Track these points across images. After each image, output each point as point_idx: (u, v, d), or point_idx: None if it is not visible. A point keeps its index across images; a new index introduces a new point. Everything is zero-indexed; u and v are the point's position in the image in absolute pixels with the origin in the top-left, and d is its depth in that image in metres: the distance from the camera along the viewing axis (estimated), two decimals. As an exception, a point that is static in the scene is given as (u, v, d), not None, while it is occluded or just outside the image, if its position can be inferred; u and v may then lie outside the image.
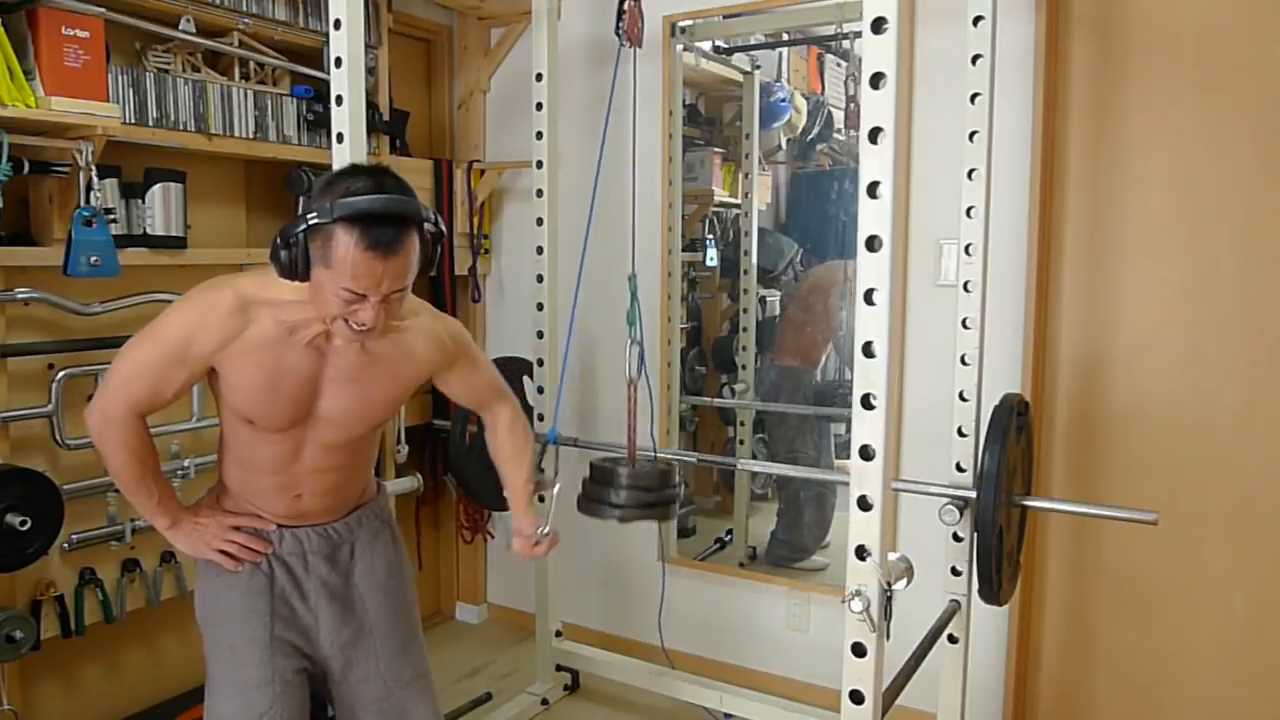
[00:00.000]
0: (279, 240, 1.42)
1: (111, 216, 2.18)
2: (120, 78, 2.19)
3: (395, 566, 1.80)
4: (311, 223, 1.38)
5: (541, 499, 1.82)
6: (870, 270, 1.41)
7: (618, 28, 2.38)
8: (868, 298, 1.41)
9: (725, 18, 2.89)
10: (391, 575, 1.78)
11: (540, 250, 2.69)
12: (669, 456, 2.88)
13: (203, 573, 1.69)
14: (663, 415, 2.99)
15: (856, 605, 1.45)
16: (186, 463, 2.39)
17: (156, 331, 1.51)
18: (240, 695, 1.59)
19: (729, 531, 3.19)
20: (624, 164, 2.61)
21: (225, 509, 1.68)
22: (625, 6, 2.37)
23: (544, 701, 2.81)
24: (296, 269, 1.42)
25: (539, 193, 2.68)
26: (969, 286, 2.11)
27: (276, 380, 1.52)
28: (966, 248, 2.10)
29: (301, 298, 1.48)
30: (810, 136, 3.14)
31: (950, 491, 2.06)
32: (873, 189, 1.40)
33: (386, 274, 1.40)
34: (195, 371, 1.51)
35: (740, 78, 3.12)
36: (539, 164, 2.66)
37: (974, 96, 2.07)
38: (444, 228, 1.51)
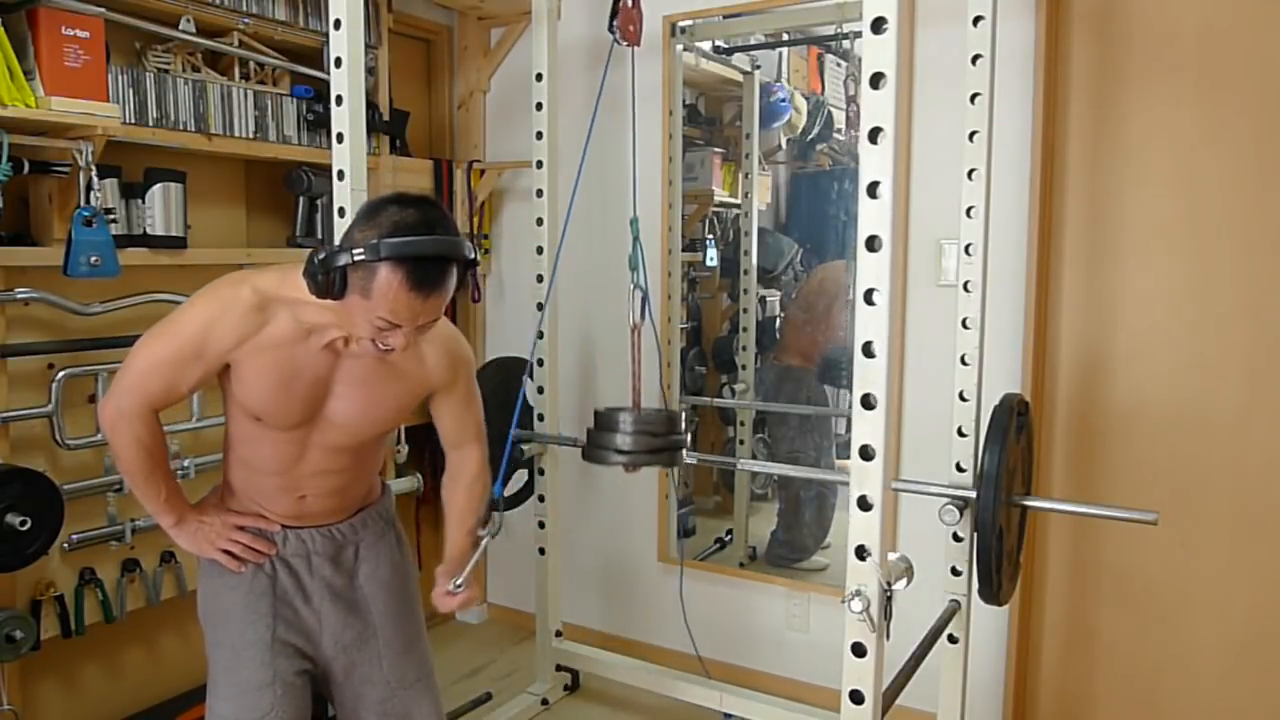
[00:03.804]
0: (318, 265, 1.38)
1: (111, 216, 2.18)
2: (120, 78, 2.20)
3: (400, 568, 1.80)
4: (357, 258, 1.35)
5: (483, 537, 1.76)
6: (870, 270, 1.41)
7: (611, 25, 2.38)
8: (868, 298, 1.41)
9: (725, 18, 2.89)
10: (396, 576, 1.78)
11: (540, 250, 2.69)
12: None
13: (205, 572, 1.69)
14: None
15: (856, 605, 1.45)
16: (186, 463, 2.39)
17: (174, 326, 1.50)
18: (241, 696, 1.59)
19: (729, 531, 3.19)
20: (624, 164, 2.61)
21: (230, 508, 1.67)
22: (619, 4, 2.36)
23: (544, 701, 2.81)
24: (332, 293, 1.40)
25: (539, 193, 2.68)
26: (969, 286, 2.11)
27: (290, 379, 1.52)
28: (966, 248, 2.10)
29: (322, 300, 1.47)
30: (810, 136, 3.14)
31: (950, 491, 2.05)
32: (873, 189, 1.39)
33: (426, 309, 1.40)
34: (211, 368, 1.51)
35: (740, 78, 3.12)
36: (539, 164, 2.66)
37: (974, 96, 2.06)
38: (478, 256, 1.49)
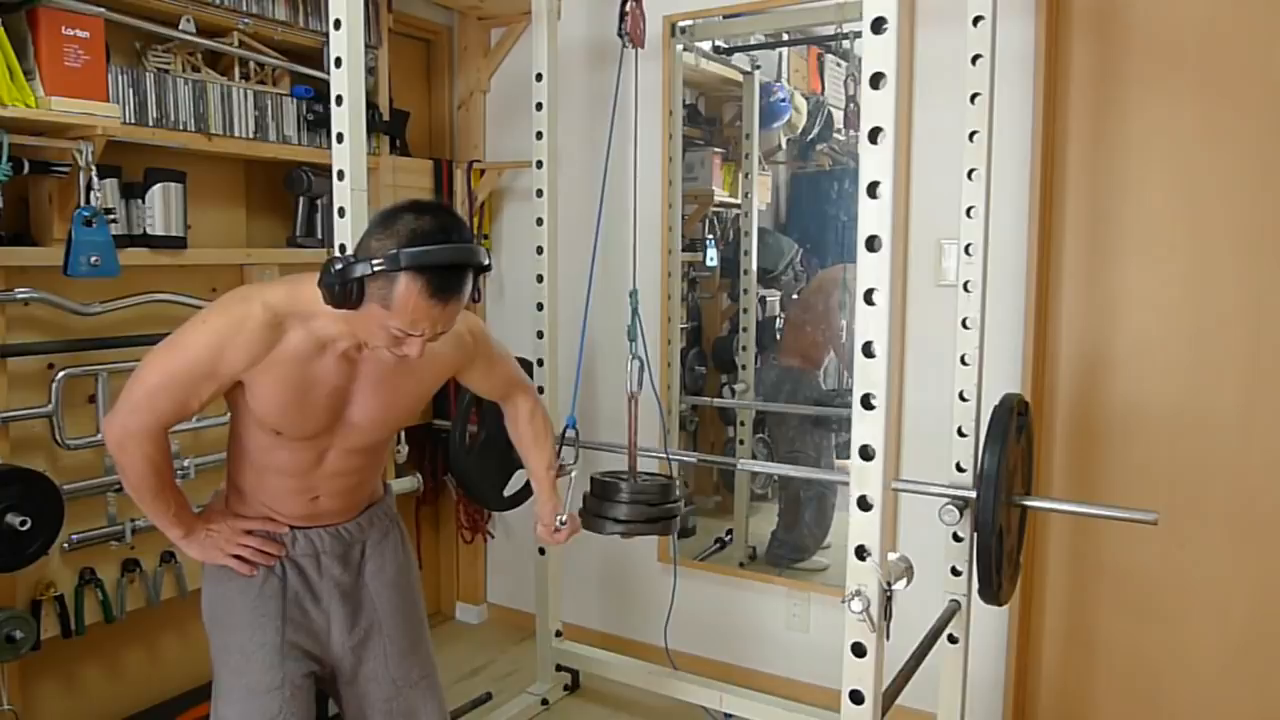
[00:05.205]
0: (335, 275, 1.38)
1: (111, 216, 2.18)
2: (120, 78, 2.19)
3: (405, 566, 1.80)
4: (377, 268, 1.35)
5: (563, 472, 1.91)
6: (870, 270, 1.41)
7: (620, 29, 2.38)
8: (868, 298, 1.41)
9: (725, 18, 2.89)
10: (401, 574, 1.78)
11: (540, 250, 2.69)
12: (670, 458, 2.89)
13: (211, 575, 1.67)
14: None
15: (856, 605, 1.45)
16: (186, 463, 2.38)
17: (183, 343, 1.47)
18: (250, 699, 1.58)
19: (729, 531, 3.19)
20: (624, 164, 2.61)
21: (236, 513, 1.66)
22: (627, 8, 2.38)
23: (544, 701, 2.81)
24: (349, 302, 1.39)
25: (539, 193, 2.68)
26: (969, 286, 2.11)
27: (307, 392, 1.51)
28: (966, 248, 2.10)
29: (335, 311, 1.46)
30: (810, 136, 3.14)
31: (950, 491, 2.06)
32: (873, 189, 1.40)
33: (443, 317, 1.41)
34: (223, 386, 1.49)
35: (740, 78, 3.12)
36: (539, 164, 2.66)
37: (974, 96, 2.07)
38: (491, 261, 1.50)
